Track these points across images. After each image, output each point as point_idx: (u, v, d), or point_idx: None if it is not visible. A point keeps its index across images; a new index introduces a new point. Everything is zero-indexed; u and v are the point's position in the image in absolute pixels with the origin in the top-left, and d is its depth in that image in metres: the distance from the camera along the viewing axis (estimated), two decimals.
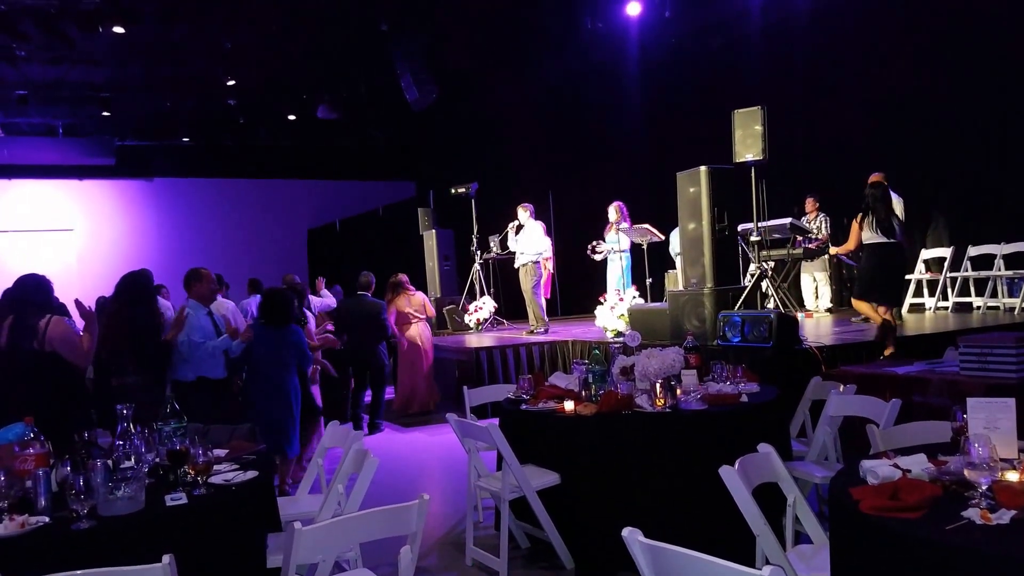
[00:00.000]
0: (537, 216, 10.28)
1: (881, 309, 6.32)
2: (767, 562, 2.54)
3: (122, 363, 4.68)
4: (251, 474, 2.97)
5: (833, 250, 8.37)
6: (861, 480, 2.31)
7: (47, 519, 2.44)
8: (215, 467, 2.93)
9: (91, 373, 5.15)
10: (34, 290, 4.11)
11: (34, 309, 4.06)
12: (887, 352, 6.16)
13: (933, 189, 9.34)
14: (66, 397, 4.03)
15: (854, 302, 6.67)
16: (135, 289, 4.83)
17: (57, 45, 11.20)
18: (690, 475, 3.66)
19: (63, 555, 2.30)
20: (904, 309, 9.00)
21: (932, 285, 9.20)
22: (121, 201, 18.15)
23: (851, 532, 2.16)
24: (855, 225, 6.48)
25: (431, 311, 9.27)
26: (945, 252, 9.03)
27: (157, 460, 2.98)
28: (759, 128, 7.18)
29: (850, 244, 6.65)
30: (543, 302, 10.13)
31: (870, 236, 6.36)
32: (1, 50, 11.58)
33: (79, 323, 4.40)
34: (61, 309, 4.44)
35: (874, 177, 7.16)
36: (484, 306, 11.23)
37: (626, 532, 2.00)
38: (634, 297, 8.68)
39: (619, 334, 8.07)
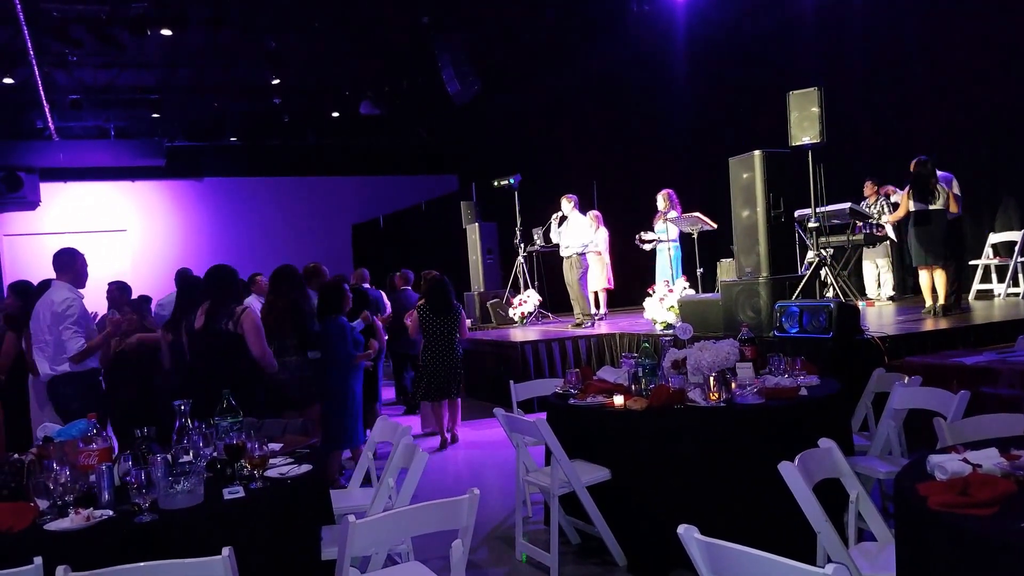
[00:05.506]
0: (582, 207, 10.17)
1: (939, 278, 7.17)
2: (829, 560, 2.47)
3: (285, 344, 5.23)
4: (305, 467, 3.00)
5: (887, 219, 8.62)
6: (928, 475, 2.23)
7: (111, 512, 2.51)
8: (270, 461, 2.96)
9: None
10: (228, 280, 4.71)
11: (230, 295, 4.65)
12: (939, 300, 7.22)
13: (1001, 169, 8.93)
14: (252, 376, 4.55)
15: (921, 277, 7.45)
16: (294, 278, 5.55)
17: (108, 50, 11.49)
18: (746, 471, 3.58)
19: (127, 547, 2.37)
20: (971, 296, 8.72)
21: (1001, 270, 8.79)
22: (172, 201, 18.62)
23: (918, 529, 2.08)
24: (904, 196, 7.47)
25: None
26: (1015, 235, 8.61)
27: (214, 454, 3.03)
28: (816, 110, 6.92)
29: (900, 213, 7.66)
30: (589, 295, 10.02)
31: (914, 205, 7.29)
32: (55, 56, 11.94)
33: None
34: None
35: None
36: (529, 299, 11.18)
37: (682, 529, 1.97)
38: (684, 288, 8.52)
39: (669, 326, 7.93)
